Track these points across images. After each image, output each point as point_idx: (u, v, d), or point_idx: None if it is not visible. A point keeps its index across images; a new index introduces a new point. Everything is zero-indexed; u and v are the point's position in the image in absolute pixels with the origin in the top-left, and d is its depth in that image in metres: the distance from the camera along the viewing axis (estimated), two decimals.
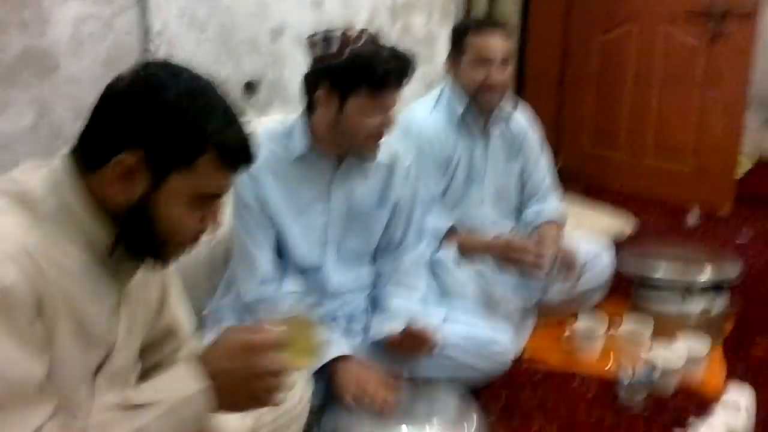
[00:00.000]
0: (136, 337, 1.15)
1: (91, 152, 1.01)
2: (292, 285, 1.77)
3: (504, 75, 2.13)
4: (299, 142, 1.73)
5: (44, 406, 0.94)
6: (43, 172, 1.01)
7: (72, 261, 0.99)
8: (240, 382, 1.03)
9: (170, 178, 1.00)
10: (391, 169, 1.85)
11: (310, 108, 1.73)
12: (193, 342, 1.31)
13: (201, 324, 1.90)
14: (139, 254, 1.05)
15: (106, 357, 1.06)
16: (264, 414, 1.37)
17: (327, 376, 1.70)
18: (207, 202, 1.04)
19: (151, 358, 1.23)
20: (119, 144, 0.98)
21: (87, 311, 1.01)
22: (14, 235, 0.93)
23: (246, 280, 1.73)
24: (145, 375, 1.20)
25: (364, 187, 1.83)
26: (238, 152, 1.04)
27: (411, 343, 1.75)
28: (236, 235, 1.77)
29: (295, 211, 1.74)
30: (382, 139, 1.72)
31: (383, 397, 1.63)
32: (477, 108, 2.18)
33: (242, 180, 1.72)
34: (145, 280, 1.14)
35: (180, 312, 1.27)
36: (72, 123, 2.00)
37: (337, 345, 1.72)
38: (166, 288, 1.22)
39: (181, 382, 1.01)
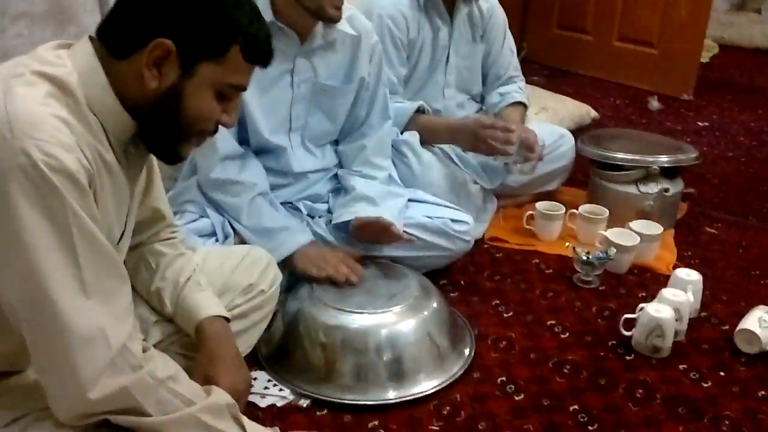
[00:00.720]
0: (133, 221, 1.19)
1: (118, 40, 1.01)
2: (254, 166, 1.75)
3: None
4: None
5: (127, 283, 1.03)
6: (75, 59, 1.00)
7: (107, 154, 1.02)
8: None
9: (200, 68, 1.02)
10: (357, 43, 1.80)
11: None
12: (173, 225, 1.37)
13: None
14: (158, 146, 1.08)
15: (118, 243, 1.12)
16: (237, 296, 1.42)
17: (289, 261, 1.72)
18: (231, 94, 1.08)
19: (136, 238, 1.27)
20: (149, 32, 0.99)
21: (110, 206, 1.05)
22: (66, 127, 0.95)
23: (207, 157, 1.70)
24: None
25: (330, 62, 1.78)
26: (263, 46, 1.08)
27: (373, 233, 1.77)
28: None
29: (258, 88, 1.69)
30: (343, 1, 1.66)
31: (346, 270, 1.67)
32: None
33: None
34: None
35: (163, 195, 1.32)
36: None
37: (300, 233, 1.73)
38: (150, 172, 1.24)
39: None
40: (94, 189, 0.98)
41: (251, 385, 1.31)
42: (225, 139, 1.69)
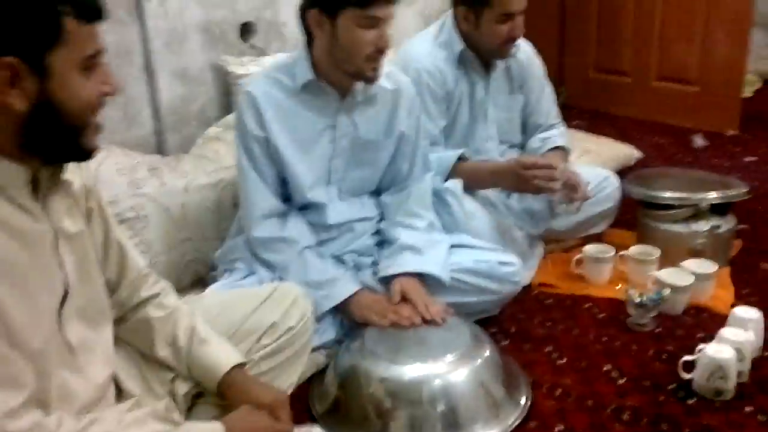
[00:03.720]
0: (93, 274, 1.14)
1: None
2: (296, 222, 1.78)
3: (522, 23, 2.08)
4: (302, 72, 1.72)
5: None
6: None
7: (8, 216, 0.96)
8: None
9: (52, 61, 0.95)
10: (396, 98, 1.85)
11: (309, 39, 1.72)
12: (152, 279, 1.31)
13: (213, 266, 1.93)
14: (62, 155, 1.02)
15: (65, 297, 1.06)
16: (263, 336, 1.40)
17: (341, 314, 1.74)
18: (94, 63, 1.01)
19: (117, 303, 1.25)
20: None
21: (20, 263, 0.98)
22: None
23: (251, 215, 1.74)
24: (116, 322, 1.23)
25: (370, 117, 1.82)
26: (89, 4, 0.99)
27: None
28: (240, 174, 1.78)
29: (299, 145, 1.74)
30: (382, 59, 1.70)
31: (407, 312, 1.68)
32: (495, 57, 2.16)
33: (246, 116, 1.72)
34: (82, 217, 1.13)
35: (130, 249, 1.27)
36: None
37: (350, 281, 1.75)
38: (106, 226, 1.21)
39: (197, 424, 1.09)
40: None
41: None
42: (265, 198, 1.74)
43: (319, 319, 1.66)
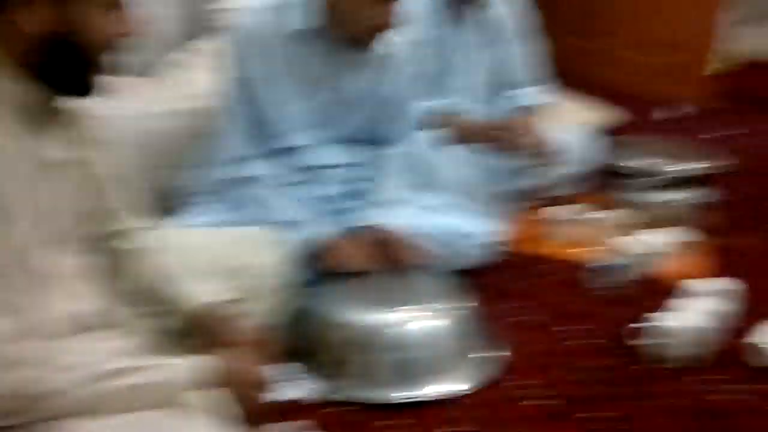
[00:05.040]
0: (69, 203, 1.11)
1: None
2: (268, 163, 1.74)
3: None
4: (304, 17, 1.67)
5: None
6: None
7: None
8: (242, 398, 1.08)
9: None
10: (390, 54, 1.81)
11: None
12: (125, 214, 1.27)
13: (175, 197, 1.86)
14: (66, 86, 1.01)
15: (37, 224, 1.03)
16: (233, 277, 1.37)
17: (318, 256, 1.69)
18: (114, 1, 1.00)
19: (86, 228, 1.19)
20: None
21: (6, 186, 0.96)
22: None
23: (221, 157, 1.70)
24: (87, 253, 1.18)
25: (356, 73, 1.78)
26: None
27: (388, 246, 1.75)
28: (216, 110, 1.73)
29: (279, 91, 1.70)
30: (384, 34, 1.67)
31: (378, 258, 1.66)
32: None
33: (231, 55, 1.67)
34: (68, 145, 1.09)
35: (111, 181, 1.23)
36: None
37: (324, 224, 1.72)
38: (90, 157, 1.16)
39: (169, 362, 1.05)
40: None
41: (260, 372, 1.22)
42: (239, 139, 1.69)
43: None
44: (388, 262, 1.70)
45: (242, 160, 1.71)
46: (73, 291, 1.09)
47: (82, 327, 1.10)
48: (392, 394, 1.50)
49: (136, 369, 0.99)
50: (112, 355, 0.99)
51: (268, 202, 1.69)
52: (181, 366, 1.05)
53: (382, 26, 1.64)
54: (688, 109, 3.59)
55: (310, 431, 1.37)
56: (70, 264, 1.11)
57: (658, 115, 3.49)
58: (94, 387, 0.94)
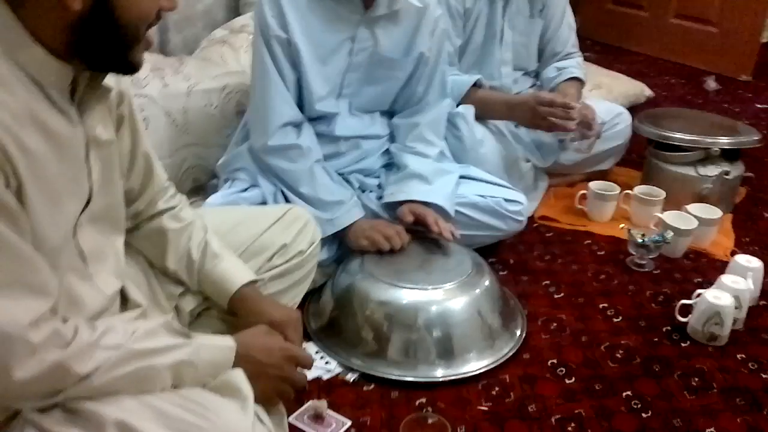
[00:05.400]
0: (115, 183, 1.11)
1: None
2: (310, 133, 1.72)
3: None
4: None
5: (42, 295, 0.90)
6: None
7: (47, 114, 0.92)
8: (262, 376, 1.07)
9: None
10: (420, 16, 1.76)
11: None
12: (171, 191, 1.28)
13: (213, 174, 1.88)
14: (108, 64, 0.97)
15: (86, 205, 1.03)
16: (274, 256, 1.38)
17: (341, 235, 1.70)
18: None
19: (132, 211, 1.22)
20: None
21: (51, 164, 0.93)
22: None
23: (263, 123, 1.67)
24: (129, 232, 1.20)
25: (391, 32, 1.74)
26: None
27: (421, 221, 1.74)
28: (261, 78, 1.68)
29: (317, 54, 1.67)
30: None
31: (393, 232, 1.66)
32: None
33: (269, 16, 1.63)
34: (113, 124, 1.09)
35: (152, 157, 1.23)
36: None
37: (354, 207, 1.71)
38: (135, 135, 1.16)
39: (211, 338, 1.05)
40: (16, 184, 0.87)
41: (301, 350, 1.23)
42: (286, 104, 1.67)
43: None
44: (424, 235, 1.69)
45: (291, 124, 1.69)
46: (116, 270, 1.11)
47: (127, 305, 1.13)
48: (437, 372, 1.50)
49: (177, 346, 1.00)
50: (153, 333, 1.00)
51: (312, 177, 1.68)
52: (222, 343, 1.06)
53: None
54: (743, 78, 3.51)
55: (328, 410, 1.38)
56: (116, 243, 1.12)
57: (710, 86, 3.41)
58: (134, 365, 0.95)
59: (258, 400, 1.02)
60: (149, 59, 1.96)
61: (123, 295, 1.14)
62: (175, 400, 0.95)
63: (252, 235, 1.38)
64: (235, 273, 1.25)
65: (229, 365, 1.04)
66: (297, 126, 1.70)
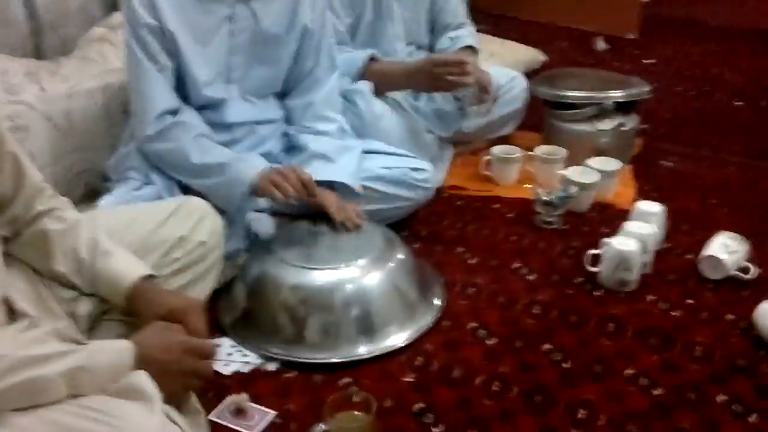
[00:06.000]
0: None
1: None
2: (190, 112, 1.65)
3: None
4: None
5: None
6: None
7: None
8: (165, 374, 1.01)
9: None
10: None
11: None
12: (49, 192, 1.21)
13: (104, 179, 1.80)
14: None
15: None
16: (171, 250, 1.32)
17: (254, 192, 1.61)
18: None
19: (9, 212, 1.14)
20: None
21: None
22: None
23: (145, 116, 1.60)
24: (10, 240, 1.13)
25: (271, 8, 1.69)
26: None
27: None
28: (135, 70, 1.61)
29: (195, 38, 1.60)
30: None
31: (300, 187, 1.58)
32: None
33: (137, 7, 1.55)
34: None
35: (24, 160, 1.15)
36: None
37: (255, 158, 1.64)
38: None
39: (105, 342, 1.01)
40: None
41: (204, 343, 1.15)
42: (163, 94, 1.60)
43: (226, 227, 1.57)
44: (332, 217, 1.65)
45: (171, 113, 1.61)
46: None
47: (6, 316, 1.05)
48: (359, 350, 1.48)
49: (69, 353, 0.94)
50: (40, 341, 0.93)
51: (200, 145, 1.60)
52: (118, 345, 1.01)
53: None
54: (630, 36, 3.63)
55: (250, 403, 1.34)
56: None
57: (600, 46, 3.51)
58: (21, 375, 0.88)
59: (166, 399, 0.97)
60: (21, 64, 1.85)
61: (9, 306, 1.06)
62: (73, 410, 0.90)
63: (147, 231, 1.31)
64: (128, 268, 1.17)
65: (128, 368, 0.98)
66: (175, 113, 1.63)
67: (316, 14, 1.78)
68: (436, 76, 1.92)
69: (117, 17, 2.10)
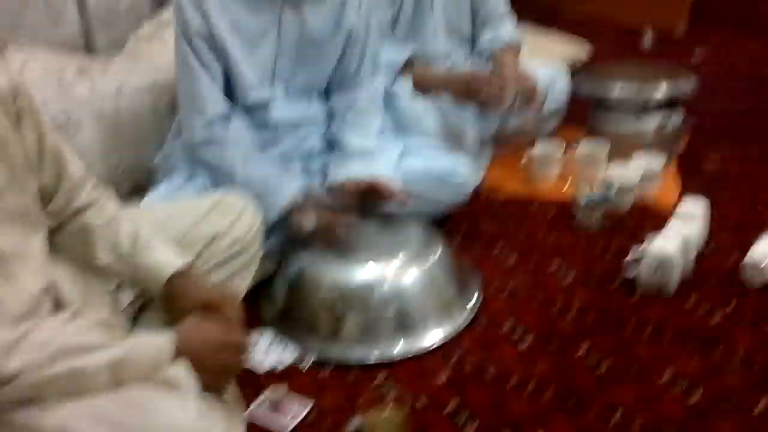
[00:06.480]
0: (24, 180, 1.06)
1: None
2: (239, 125, 1.69)
3: None
4: None
5: None
6: None
7: None
8: (204, 366, 1.03)
9: None
10: None
11: None
12: (90, 184, 1.22)
13: (151, 175, 1.84)
14: None
15: None
16: (210, 246, 1.34)
17: (286, 223, 1.66)
18: None
19: (52, 206, 1.16)
20: None
21: None
22: None
23: (193, 121, 1.64)
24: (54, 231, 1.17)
25: (316, 14, 1.71)
26: None
27: (370, 194, 1.72)
28: (186, 74, 1.64)
29: (243, 42, 1.63)
30: None
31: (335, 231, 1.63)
32: None
33: (187, 12, 1.58)
34: (9, 120, 1.03)
35: (67, 153, 1.17)
36: None
37: (291, 181, 1.67)
38: (39, 128, 1.10)
39: (147, 334, 1.02)
40: None
41: (240, 336, 1.17)
42: (214, 98, 1.63)
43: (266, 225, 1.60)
44: (369, 212, 1.68)
45: (221, 118, 1.65)
46: (40, 269, 1.07)
47: (53, 305, 1.08)
48: (396, 347, 1.50)
49: (112, 344, 0.96)
50: (86, 331, 0.96)
51: (245, 168, 1.65)
52: (160, 338, 1.03)
53: None
54: (678, 30, 3.56)
55: (287, 397, 1.38)
56: (35, 241, 1.07)
57: (647, 41, 3.46)
58: (66, 364, 0.91)
59: (203, 390, 1.00)
60: (74, 61, 1.91)
61: (56, 296, 1.10)
62: (115, 401, 0.93)
63: (186, 227, 1.33)
64: (167, 260, 1.19)
65: (168, 361, 1.01)
66: (226, 119, 1.66)
67: (361, 17, 1.79)
68: (473, 91, 1.96)
69: (166, 14, 2.16)
